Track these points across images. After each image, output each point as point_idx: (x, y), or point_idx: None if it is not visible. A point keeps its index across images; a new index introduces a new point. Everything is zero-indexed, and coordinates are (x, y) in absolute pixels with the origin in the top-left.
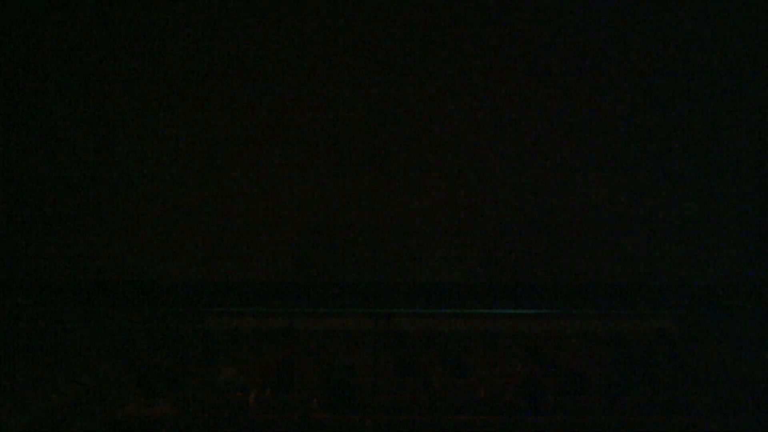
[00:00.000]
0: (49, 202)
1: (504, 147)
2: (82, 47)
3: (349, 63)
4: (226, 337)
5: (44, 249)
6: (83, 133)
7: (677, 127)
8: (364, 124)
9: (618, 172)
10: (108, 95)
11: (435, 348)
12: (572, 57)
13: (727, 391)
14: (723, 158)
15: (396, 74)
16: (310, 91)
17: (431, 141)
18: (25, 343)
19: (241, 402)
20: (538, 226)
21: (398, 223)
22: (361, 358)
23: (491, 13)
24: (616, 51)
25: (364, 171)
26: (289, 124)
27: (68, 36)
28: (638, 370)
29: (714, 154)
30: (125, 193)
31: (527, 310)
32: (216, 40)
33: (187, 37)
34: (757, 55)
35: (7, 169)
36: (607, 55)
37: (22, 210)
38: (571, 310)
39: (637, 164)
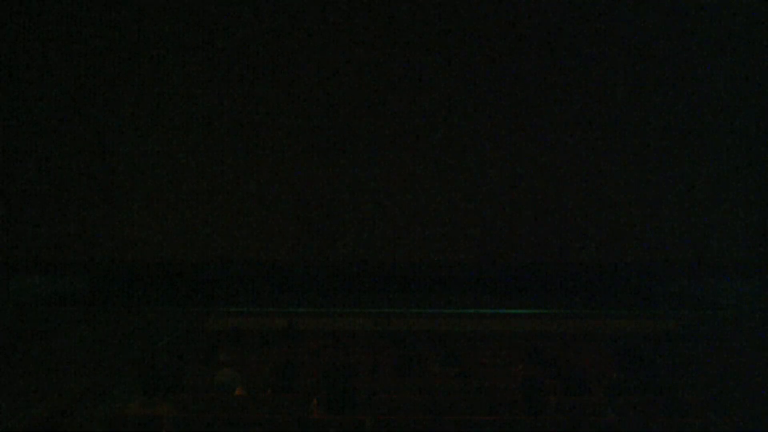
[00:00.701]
0: (60, 183)
1: (499, 128)
2: (93, 24)
3: (341, 46)
4: (226, 337)
5: (53, 229)
6: (91, 117)
7: (675, 105)
8: (359, 106)
9: (615, 150)
10: (122, 77)
11: (435, 348)
12: (561, 29)
13: (727, 391)
14: (722, 133)
15: (389, 56)
16: (305, 76)
17: (426, 122)
18: (25, 343)
19: (241, 402)
20: (533, 207)
21: (391, 203)
22: (361, 358)
23: None
24: (606, 20)
25: (359, 152)
26: (285, 107)
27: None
28: (638, 370)
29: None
30: (135, 178)
31: (527, 310)
32: (216, 36)
33: (191, 33)
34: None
35: (21, 147)
36: (597, 26)
37: (34, 190)
38: (570, 310)
39: (635, 142)
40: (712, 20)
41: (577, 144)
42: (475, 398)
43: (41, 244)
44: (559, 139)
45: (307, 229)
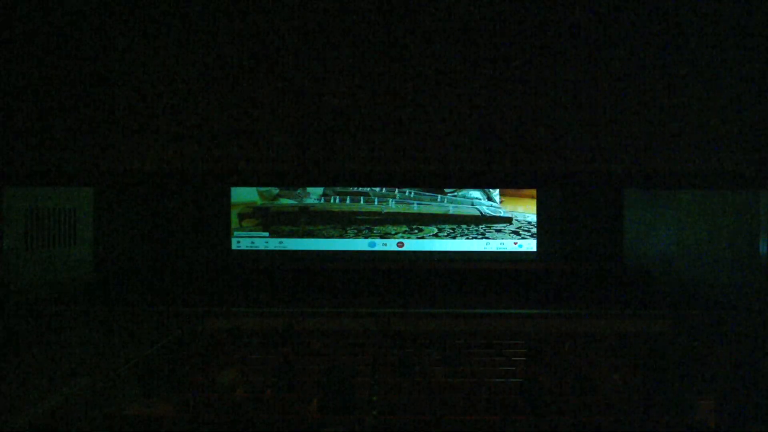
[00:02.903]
0: (61, 93)
1: (501, 35)
2: None
3: None
4: (226, 337)
5: (54, 141)
6: (93, 26)
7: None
8: (360, 14)
9: (613, 59)
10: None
11: (435, 348)
12: None
13: (727, 390)
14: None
15: None
16: None
17: (425, 33)
18: (25, 343)
19: (241, 402)
20: (533, 115)
21: (395, 111)
22: (361, 358)
23: None
24: None
25: (361, 59)
26: (287, 16)
27: None
28: (638, 370)
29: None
30: (133, 86)
31: (527, 310)
32: None
33: None
34: None
35: (19, 57)
36: None
37: (33, 100)
38: (571, 311)
39: (634, 50)
40: None
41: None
42: (475, 398)
43: (41, 159)
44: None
45: (307, 139)
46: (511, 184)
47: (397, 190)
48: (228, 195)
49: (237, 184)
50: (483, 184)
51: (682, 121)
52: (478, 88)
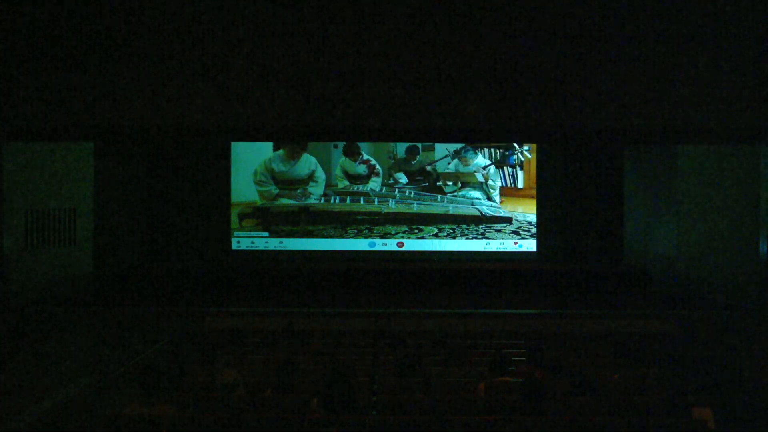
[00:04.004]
0: (63, 46)
1: None
2: None
3: None
4: (226, 337)
5: (56, 94)
6: None
7: None
8: None
9: (616, 14)
10: None
11: (435, 348)
12: None
13: (727, 391)
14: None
15: None
16: None
17: None
18: (25, 343)
19: (241, 402)
20: (536, 70)
21: (393, 67)
22: (361, 358)
23: None
24: None
25: (360, 16)
26: None
27: None
28: (638, 369)
29: None
30: (134, 42)
31: (527, 310)
32: None
33: None
34: None
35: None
36: None
37: (34, 54)
38: (571, 311)
39: (636, 3)
40: None
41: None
42: (475, 398)
43: (39, 109)
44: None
45: (306, 94)
46: (510, 137)
47: (397, 190)
48: (228, 194)
49: (239, 139)
50: (484, 137)
51: (683, 76)
52: (481, 39)
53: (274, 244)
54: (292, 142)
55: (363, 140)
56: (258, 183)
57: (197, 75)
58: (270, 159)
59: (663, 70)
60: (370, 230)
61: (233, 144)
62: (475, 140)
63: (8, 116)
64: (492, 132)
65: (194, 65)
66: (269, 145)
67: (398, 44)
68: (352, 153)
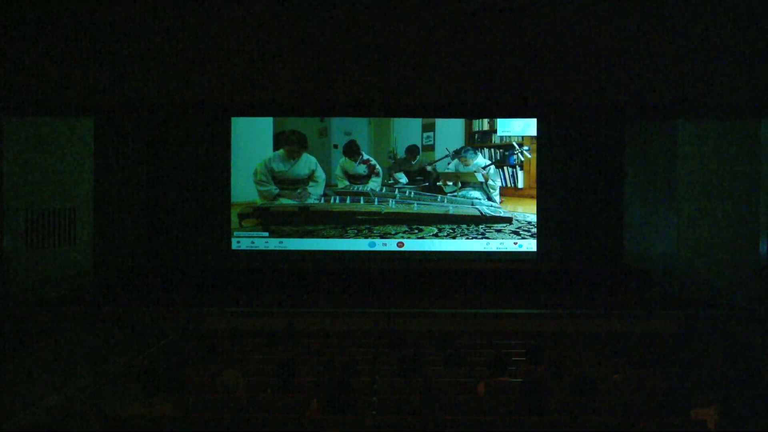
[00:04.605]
0: (62, 19)
1: None
2: None
3: None
4: (226, 337)
5: (56, 68)
6: None
7: None
8: None
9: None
10: None
11: (435, 348)
12: None
13: (727, 391)
14: None
15: None
16: None
17: None
18: (25, 343)
19: (241, 402)
20: (535, 46)
21: (393, 43)
22: (361, 358)
23: None
24: None
25: None
26: None
27: None
28: (639, 369)
29: None
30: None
31: (527, 310)
32: None
33: None
34: None
35: None
36: None
37: (33, 28)
38: (570, 311)
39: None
40: None
41: None
42: (474, 398)
43: (41, 87)
44: None
45: (306, 70)
46: (511, 112)
47: (397, 190)
48: (228, 195)
49: (239, 114)
50: (485, 113)
51: (684, 51)
52: (482, 16)
53: (274, 244)
54: (292, 114)
55: (363, 116)
56: (258, 183)
57: (198, 48)
58: (270, 159)
59: (664, 43)
60: (370, 230)
61: (233, 144)
62: (478, 116)
63: (9, 91)
64: (495, 106)
65: (195, 38)
66: (269, 144)
67: (398, 19)
68: (352, 153)
